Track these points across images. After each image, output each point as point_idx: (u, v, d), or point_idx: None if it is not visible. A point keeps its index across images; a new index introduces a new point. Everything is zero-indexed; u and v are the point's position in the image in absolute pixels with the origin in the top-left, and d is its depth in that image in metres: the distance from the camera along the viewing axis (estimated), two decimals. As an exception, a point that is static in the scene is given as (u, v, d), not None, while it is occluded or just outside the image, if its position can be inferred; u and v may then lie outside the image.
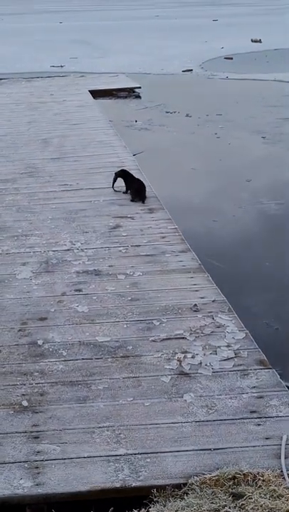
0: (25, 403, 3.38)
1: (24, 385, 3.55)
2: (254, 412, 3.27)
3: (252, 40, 30.34)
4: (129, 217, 6.26)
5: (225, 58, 24.35)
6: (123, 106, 14.46)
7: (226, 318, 4.24)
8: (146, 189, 6.82)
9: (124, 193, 6.94)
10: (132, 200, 6.74)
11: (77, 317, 4.32)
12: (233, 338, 4.00)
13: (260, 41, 30.02)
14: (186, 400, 3.38)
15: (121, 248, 5.50)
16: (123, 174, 7.02)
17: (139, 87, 16.28)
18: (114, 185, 7.03)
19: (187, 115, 12.99)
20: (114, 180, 7.01)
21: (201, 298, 4.55)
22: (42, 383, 3.56)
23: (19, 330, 4.17)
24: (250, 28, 37.86)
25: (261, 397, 3.39)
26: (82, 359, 3.80)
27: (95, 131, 10.30)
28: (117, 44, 30.49)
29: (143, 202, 6.68)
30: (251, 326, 4.23)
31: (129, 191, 6.90)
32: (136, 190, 6.80)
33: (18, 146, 9.50)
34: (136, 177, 7.00)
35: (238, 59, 23.97)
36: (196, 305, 4.43)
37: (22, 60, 24.43)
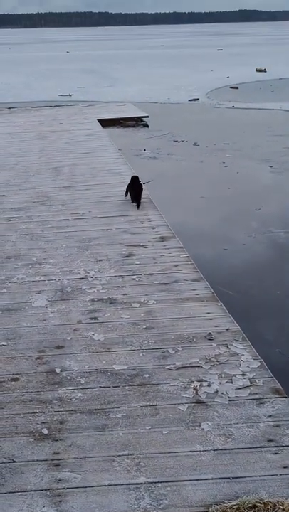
0: (45, 431, 3.42)
1: (44, 412, 3.59)
2: (271, 440, 3.31)
3: (257, 70, 30.82)
4: (142, 246, 6.34)
5: (230, 87, 24.74)
6: (131, 135, 14.67)
7: (240, 347, 4.29)
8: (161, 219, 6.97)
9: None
10: (132, 202, 7.76)
11: (93, 345, 4.37)
12: (248, 366, 4.05)
13: (264, 71, 30.48)
14: (203, 429, 3.42)
15: (134, 276, 5.56)
16: (131, 182, 7.92)
17: (147, 116, 16.54)
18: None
19: (195, 144, 13.17)
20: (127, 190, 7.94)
21: (215, 326, 4.60)
22: (61, 411, 3.60)
23: (37, 358, 4.22)
24: (254, 58, 38.51)
25: (278, 425, 3.43)
26: (100, 387, 3.85)
27: (105, 160, 10.46)
28: (123, 73, 30.99)
29: (137, 207, 7.60)
30: (265, 354, 4.27)
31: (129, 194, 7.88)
32: (134, 195, 7.77)
33: (29, 174, 9.66)
34: (137, 182, 7.88)
35: (243, 88, 24.34)
36: (210, 334, 4.48)
37: (31, 89, 24.84)
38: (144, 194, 8.14)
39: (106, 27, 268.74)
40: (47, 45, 77.48)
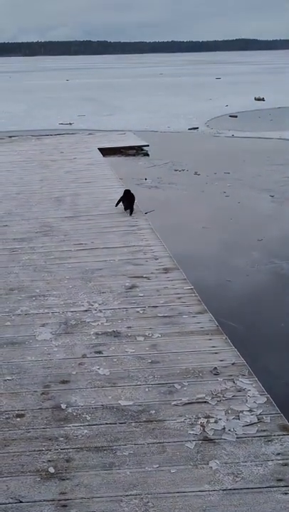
0: (51, 470, 3.38)
1: (50, 450, 3.56)
2: (281, 480, 3.27)
3: (255, 99, 31.10)
4: (145, 277, 6.34)
5: (230, 116, 24.95)
6: (132, 164, 14.76)
7: (246, 382, 4.27)
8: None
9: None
10: (125, 210, 8.83)
11: (98, 380, 4.35)
12: (254, 402, 4.02)
13: (263, 99, 30.77)
14: (211, 467, 3.39)
15: (138, 309, 5.55)
16: (124, 194, 8.94)
17: (147, 145, 16.66)
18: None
19: (196, 173, 13.25)
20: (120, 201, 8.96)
21: (221, 360, 4.58)
22: (67, 449, 3.57)
23: (42, 393, 4.19)
24: (252, 87, 38.89)
25: (287, 464, 3.39)
26: (106, 423, 3.82)
27: (107, 190, 10.50)
28: (123, 101, 31.28)
29: (130, 214, 8.72)
30: (271, 389, 4.24)
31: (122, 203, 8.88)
32: (126, 204, 8.81)
33: (31, 204, 9.69)
34: (130, 193, 8.90)
35: (242, 117, 24.55)
36: (216, 368, 4.46)
37: (32, 118, 25.03)
38: (146, 224, 8.18)
39: (105, 55, 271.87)
40: (47, 74, 78.28)
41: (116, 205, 8.98)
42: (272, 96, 31.50)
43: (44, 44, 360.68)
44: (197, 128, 21.19)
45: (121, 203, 8.94)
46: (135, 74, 70.41)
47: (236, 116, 24.82)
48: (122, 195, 9.03)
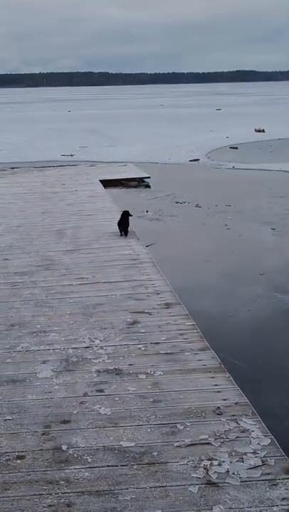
0: (52, 515, 3.32)
1: (50, 494, 3.49)
2: (286, 526, 3.21)
3: (255, 130, 31.36)
4: (147, 313, 6.30)
5: (230, 148, 25.10)
6: (133, 196, 14.80)
7: (250, 423, 4.21)
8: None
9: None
10: (120, 235, 9.53)
11: (100, 420, 4.29)
12: (258, 444, 3.96)
13: (263, 131, 31.02)
14: (215, 513, 3.32)
15: (140, 345, 5.51)
16: (122, 218, 9.61)
17: (149, 177, 16.74)
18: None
19: (197, 205, 13.28)
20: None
21: (224, 400, 4.53)
22: (68, 493, 3.50)
23: (43, 434, 4.13)
24: (253, 118, 39.24)
25: (292, 509, 3.33)
26: (108, 466, 3.76)
27: (108, 222, 10.51)
28: (124, 133, 31.54)
29: (125, 235, 9.46)
30: (275, 430, 4.18)
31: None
32: (123, 229, 9.50)
33: (33, 237, 9.69)
34: (126, 215, 9.55)
35: (242, 148, 24.71)
36: (219, 408, 4.41)
37: (34, 149, 25.20)
38: (147, 258, 8.20)
39: (106, 86, 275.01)
40: (49, 105, 79.11)
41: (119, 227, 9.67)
42: (272, 127, 31.75)
43: (46, 75, 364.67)
44: (198, 159, 21.31)
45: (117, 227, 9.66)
46: (136, 105, 71.14)
47: (237, 148, 24.99)
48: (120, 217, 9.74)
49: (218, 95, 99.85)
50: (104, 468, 3.73)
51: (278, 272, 8.65)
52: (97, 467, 3.75)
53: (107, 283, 7.31)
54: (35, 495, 3.50)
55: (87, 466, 3.76)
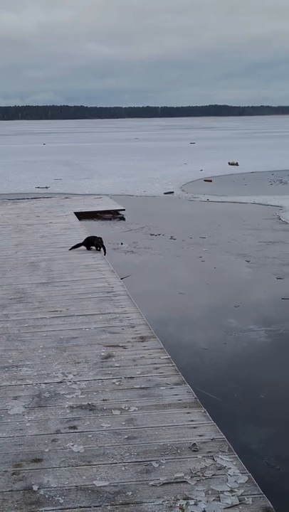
0: None
1: (20, 538, 3.35)
2: None
3: (229, 163, 31.70)
4: (121, 346, 6.20)
5: (204, 180, 25.29)
6: (108, 228, 14.76)
7: (226, 460, 4.11)
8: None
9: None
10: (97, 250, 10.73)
11: (72, 458, 4.16)
12: (235, 481, 3.86)
13: (237, 164, 31.36)
14: None
15: (114, 380, 5.40)
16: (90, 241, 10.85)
17: (123, 209, 16.75)
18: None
19: (171, 237, 13.27)
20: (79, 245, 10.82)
21: (200, 436, 4.43)
22: (39, 536, 3.36)
23: (13, 473, 3.98)
24: (226, 151, 39.75)
25: None
26: (80, 507, 3.62)
27: (83, 255, 10.44)
28: (99, 165, 31.64)
29: (99, 250, 10.70)
30: (252, 466, 4.11)
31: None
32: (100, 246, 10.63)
33: (6, 269, 9.56)
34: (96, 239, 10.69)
35: (217, 181, 24.91)
36: (194, 444, 4.30)
37: (7, 181, 25.13)
38: (122, 290, 8.12)
39: (81, 120, 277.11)
40: (24, 137, 79.29)
41: (70, 249, 10.70)
42: (245, 160, 32.13)
43: (22, 108, 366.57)
44: (172, 192, 21.40)
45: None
46: (111, 138, 71.66)
47: (211, 181, 25.18)
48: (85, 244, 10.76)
49: (192, 129, 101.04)
50: (76, 510, 3.60)
51: (253, 304, 8.62)
52: (69, 508, 3.61)
53: (81, 316, 7.21)
54: (4, 539, 3.35)
55: (59, 507, 3.62)
